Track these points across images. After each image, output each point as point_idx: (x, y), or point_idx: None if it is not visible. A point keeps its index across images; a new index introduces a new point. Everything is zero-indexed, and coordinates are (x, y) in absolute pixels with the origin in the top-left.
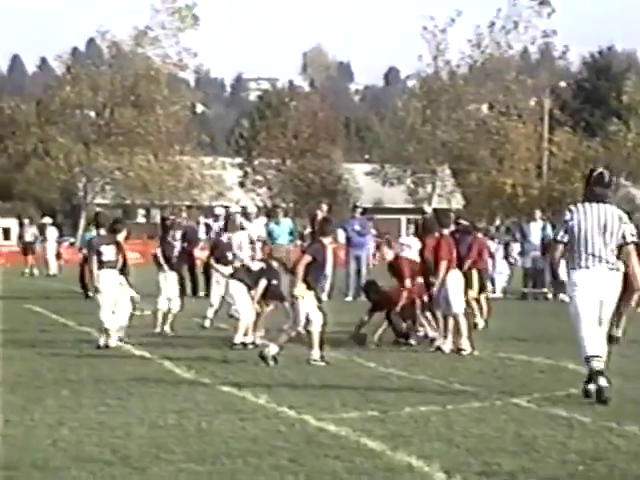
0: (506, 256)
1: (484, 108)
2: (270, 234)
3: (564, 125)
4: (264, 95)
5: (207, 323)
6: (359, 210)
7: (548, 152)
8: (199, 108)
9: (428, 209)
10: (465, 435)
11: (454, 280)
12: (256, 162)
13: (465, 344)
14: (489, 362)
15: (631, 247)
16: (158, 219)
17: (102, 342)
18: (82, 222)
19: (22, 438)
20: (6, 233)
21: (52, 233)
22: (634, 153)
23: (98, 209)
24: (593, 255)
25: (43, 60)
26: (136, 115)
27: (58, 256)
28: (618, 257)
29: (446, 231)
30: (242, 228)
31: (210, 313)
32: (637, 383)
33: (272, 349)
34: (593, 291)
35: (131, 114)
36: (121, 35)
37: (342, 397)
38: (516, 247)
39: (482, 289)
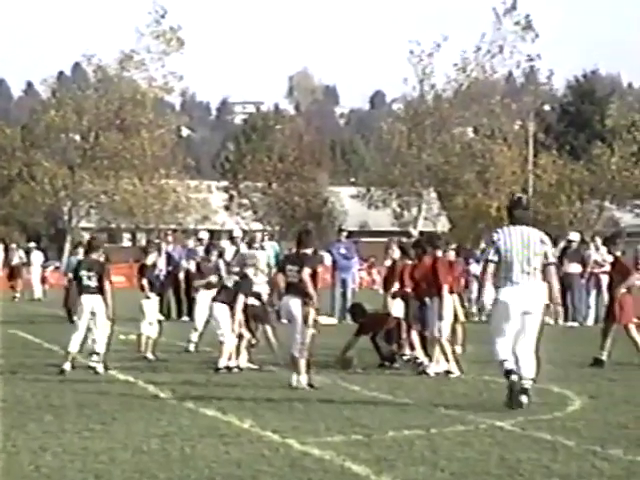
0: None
1: (469, 131)
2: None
3: (549, 148)
4: (249, 118)
5: (192, 347)
6: (344, 233)
7: (533, 175)
8: (185, 132)
9: (414, 232)
10: (449, 459)
11: (445, 302)
12: (242, 185)
13: (453, 367)
14: (474, 385)
15: (552, 268)
16: (144, 242)
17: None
18: (67, 246)
19: (4, 464)
20: None
21: (37, 257)
22: (618, 176)
23: (83, 233)
24: (517, 272)
25: (29, 84)
26: (121, 139)
27: (43, 280)
28: (542, 276)
29: (439, 253)
30: (262, 248)
31: (194, 337)
32: (622, 407)
33: (302, 380)
34: (517, 306)
35: (116, 138)
36: (107, 59)
37: (326, 421)
38: None
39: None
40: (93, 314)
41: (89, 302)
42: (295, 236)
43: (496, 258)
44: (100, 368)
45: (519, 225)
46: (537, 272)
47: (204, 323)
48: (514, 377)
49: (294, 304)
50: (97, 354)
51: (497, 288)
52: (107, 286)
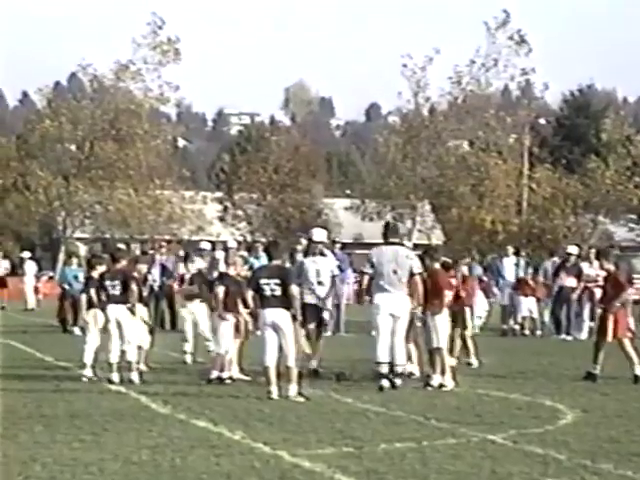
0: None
1: (464, 144)
2: (250, 268)
3: (544, 162)
4: (245, 129)
5: (189, 358)
6: (338, 245)
7: (528, 188)
8: (180, 142)
9: (409, 244)
10: (440, 472)
11: (443, 315)
12: (236, 197)
13: (448, 380)
14: (466, 398)
15: (417, 277)
16: (138, 253)
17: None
18: (61, 256)
19: None
20: None
21: (30, 267)
22: (612, 190)
23: (78, 243)
24: (387, 283)
25: (24, 94)
26: (117, 149)
27: (36, 290)
28: (409, 285)
29: (437, 265)
30: (257, 257)
31: (188, 348)
32: (614, 421)
33: (292, 390)
34: (387, 309)
35: (111, 148)
36: (103, 69)
37: (318, 433)
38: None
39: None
40: (119, 324)
41: (114, 312)
42: (291, 254)
43: (372, 272)
44: (135, 377)
45: (390, 245)
46: (402, 283)
47: (194, 333)
48: (384, 382)
49: (283, 316)
50: (130, 363)
51: (373, 295)
52: (134, 292)
